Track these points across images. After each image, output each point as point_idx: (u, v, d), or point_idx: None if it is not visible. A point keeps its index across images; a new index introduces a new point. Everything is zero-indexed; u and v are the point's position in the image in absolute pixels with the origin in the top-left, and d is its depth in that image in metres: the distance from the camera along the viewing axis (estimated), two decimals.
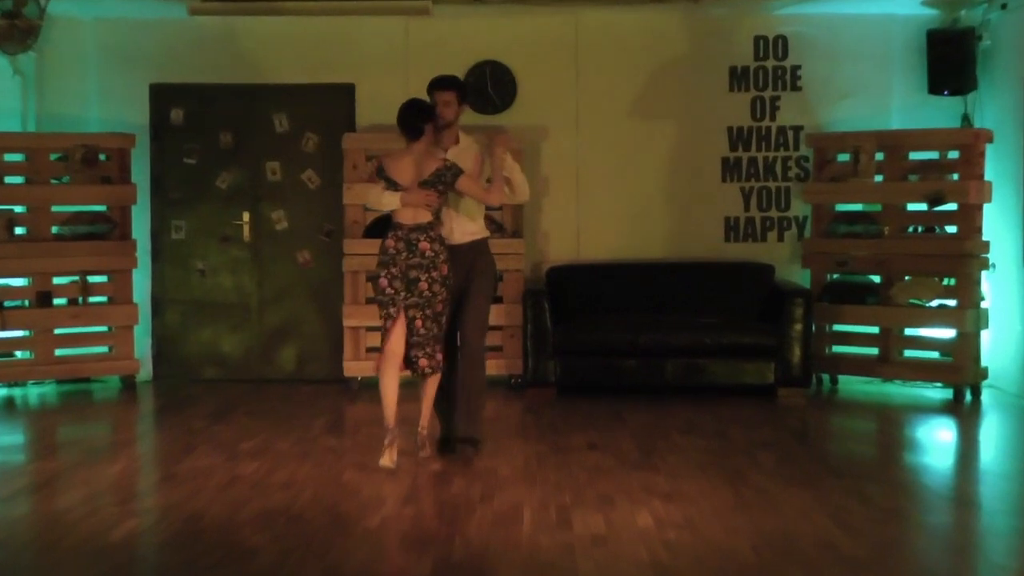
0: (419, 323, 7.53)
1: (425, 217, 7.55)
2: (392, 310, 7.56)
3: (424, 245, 7.50)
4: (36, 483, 7.30)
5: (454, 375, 7.83)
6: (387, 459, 7.40)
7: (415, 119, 7.59)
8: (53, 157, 10.29)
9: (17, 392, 10.34)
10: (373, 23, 10.64)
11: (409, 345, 7.59)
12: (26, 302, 10.18)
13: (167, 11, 10.19)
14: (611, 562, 5.67)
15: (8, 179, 10.24)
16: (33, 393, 10.34)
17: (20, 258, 10.09)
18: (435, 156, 7.61)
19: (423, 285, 7.49)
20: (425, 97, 7.73)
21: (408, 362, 7.64)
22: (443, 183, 7.55)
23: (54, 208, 10.30)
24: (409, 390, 7.82)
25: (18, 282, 10.27)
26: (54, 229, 10.28)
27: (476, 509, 6.58)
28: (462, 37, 10.75)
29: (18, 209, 10.23)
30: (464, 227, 7.83)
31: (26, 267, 10.12)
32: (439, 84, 7.82)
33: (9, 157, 10.24)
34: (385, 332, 7.64)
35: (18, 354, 10.28)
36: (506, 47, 10.82)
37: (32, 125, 10.63)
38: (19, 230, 10.21)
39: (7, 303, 10.13)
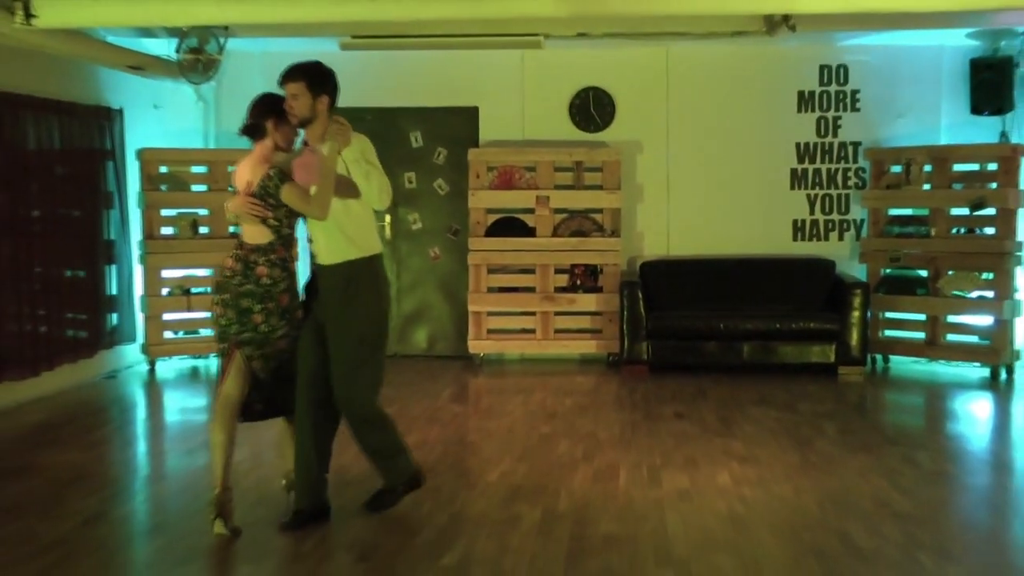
0: (258, 364, 5.41)
1: (263, 236, 5.37)
2: (224, 345, 5.41)
3: (261, 270, 5.35)
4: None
5: (322, 430, 5.49)
6: (220, 526, 5.28)
7: (256, 115, 5.58)
8: (229, 168, 10.41)
9: (201, 363, 10.54)
10: (493, 55, 10.62)
11: (251, 388, 5.43)
12: (208, 289, 10.33)
13: (322, 46, 10.25)
14: (694, 514, 5.64)
15: (194, 187, 10.43)
16: (214, 364, 10.49)
17: (203, 252, 10.24)
18: (269, 161, 5.46)
19: (256, 318, 5.35)
20: None
21: (246, 408, 5.47)
22: (270, 194, 5.35)
23: None
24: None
25: (201, 272, 10.44)
26: (231, 228, 10.41)
27: (579, 467, 6.58)
28: (569, 66, 10.70)
29: (201, 212, 10.39)
30: (333, 243, 5.39)
31: (208, 260, 10.26)
32: (283, 75, 5.55)
33: (194, 169, 10.44)
34: (221, 372, 5.42)
35: (202, 331, 10.45)
36: (607, 74, 10.73)
37: (212, 142, 10.83)
38: (202, 229, 10.38)
39: (193, 289, 10.32)
